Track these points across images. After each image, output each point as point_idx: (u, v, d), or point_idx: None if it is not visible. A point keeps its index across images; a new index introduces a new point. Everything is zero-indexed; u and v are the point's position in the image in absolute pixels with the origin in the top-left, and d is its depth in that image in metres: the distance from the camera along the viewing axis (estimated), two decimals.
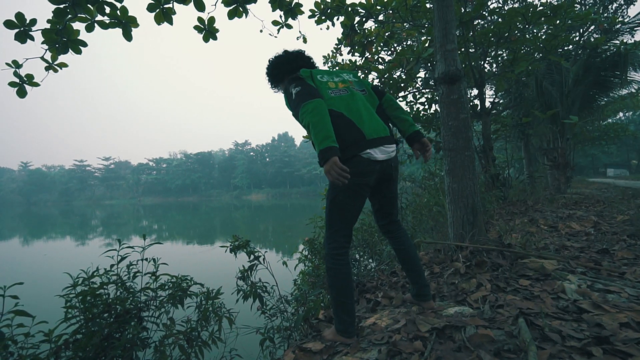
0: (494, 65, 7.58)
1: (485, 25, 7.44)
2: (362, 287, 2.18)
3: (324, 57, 6.65)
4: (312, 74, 1.51)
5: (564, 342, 1.12)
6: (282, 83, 1.69)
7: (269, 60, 1.69)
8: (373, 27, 5.39)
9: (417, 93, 6.43)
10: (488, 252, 2.12)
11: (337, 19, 4.40)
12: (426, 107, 6.32)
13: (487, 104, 6.39)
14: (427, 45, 5.20)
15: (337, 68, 6.31)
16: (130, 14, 2.60)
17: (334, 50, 6.19)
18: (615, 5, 9.17)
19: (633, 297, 1.47)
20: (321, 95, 1.41)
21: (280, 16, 3.43)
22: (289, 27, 3.49)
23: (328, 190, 1.46)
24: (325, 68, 5.72)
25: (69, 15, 2.45)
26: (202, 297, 1.95)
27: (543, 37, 5.34)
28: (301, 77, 1.47)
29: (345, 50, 5.98)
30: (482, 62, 5.90)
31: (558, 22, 4.80)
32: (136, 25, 2.69)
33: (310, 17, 4.18)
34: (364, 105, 1.49)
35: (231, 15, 3.07)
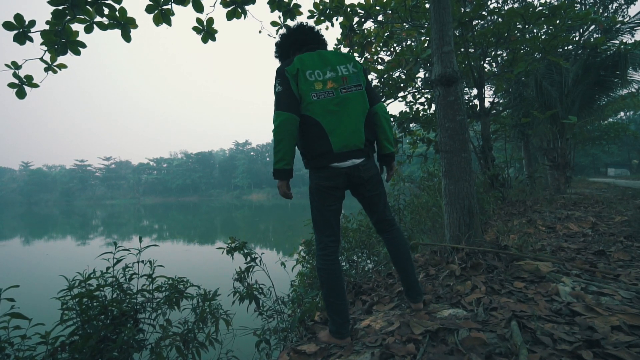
0: (494, 65, 7.59)
1: (485, 25, 7.44)
2: (359, 289, 2.19)
3: None
4: (301, 70, 1.42)
5: (555, 345, 1.13)
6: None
7: (276, 41, 1.68)
8: (372, 28, 5.39)
9: (416, 93, 6.43)
10: (484, 254, 2.12)
11: (336, 20, 4.41)
12: (426, 107, 6.33)
13: (487, 104, 6.39)
14: (425, 45, 5.21)
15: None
16: (129, 14, 2.61)
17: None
18: (615, 5, 9.15)
19: (626, 299, 1.48)
20: (299, 101, 1.42)
21: (279, 17, 3.43)
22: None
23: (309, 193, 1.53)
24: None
25: (68, 17, 2.46)
26: (199, 298, 1.96)
27: (543, 37, 5.33)
28: (287, 75, 1.42)
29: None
30: (482, 62, 5.89)
31: (558, 22, 4.80)
32: (135, 26, 2.70)
33: (309, 17, 4.19)
34: (346, 110, 1.43)
35: (230, 16, 3.08)
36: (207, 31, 3.02)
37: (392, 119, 6.20)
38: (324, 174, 1.44)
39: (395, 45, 6.37)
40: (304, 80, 1.42)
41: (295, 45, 1.61)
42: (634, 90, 9.13)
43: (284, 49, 1.66)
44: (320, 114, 1.41)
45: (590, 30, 9.01)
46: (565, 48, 8.22)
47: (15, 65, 2.56)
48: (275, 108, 1.42)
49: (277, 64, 1.67)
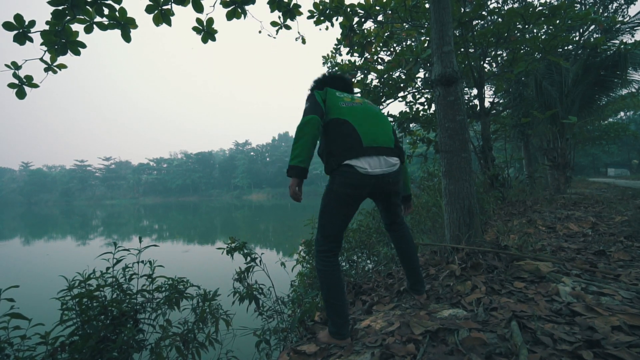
0: (494, 65, 7.58)
1: (485, 25, 7.44)
2: (359, 289, 2.19)
3: (324, 57, 6.66)
4: (330, 90, 1.60)
5: (556, 345, 1.13)
6: None
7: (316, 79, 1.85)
8: (372, 28, 5.39)
9: (416, 93, 6.43)
10: (484, 254, 2.12)
11: (336, 20, 4.40)
12: (425, 107, 6.33)
13: (487, 104, 6.39)
14: (425, 45, 5.20)
15: (336, 68, 6.30)
16: (129, 15, 2.61)
17: (333, 51, 6.20)
18: (615, 4, 9.15)
19: (626, 299, 1.47)
20: (325, 112, 1.52)
21: (279, 17, 3.43)
22: (288, 27, 3.50)
23: (323, 195, 1.51)
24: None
25: (68, 17, 2.45)
26: (199, 298, 1.96)
27: (543, 37, 5.33)
28: (315, 94, 1.57)
29: (344, 50, 5.99)
30: (482, 62, 5.89)
31: (558, 22, 4.80)
32: (135, 26, 2.69)
33: (309, 17, 4.18)
34: (374, 117, 1.56)
35: (230, 16, 3.08)
36: (207, 31, 3.02)
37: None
38: (353, 180, 1.41)
39: (395, 45, 6.37)
40: (333, 97, 1.56)
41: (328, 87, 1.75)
42: (634, 90, 9.13)
43: (318, 86, 1.79)
44: (350, 115, 1.50)
45: (590, 30, 9.01)
46: (565, 48, 8.22)
47: (15, 66, 2.56)
48: (302, 117, 1.50)
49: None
